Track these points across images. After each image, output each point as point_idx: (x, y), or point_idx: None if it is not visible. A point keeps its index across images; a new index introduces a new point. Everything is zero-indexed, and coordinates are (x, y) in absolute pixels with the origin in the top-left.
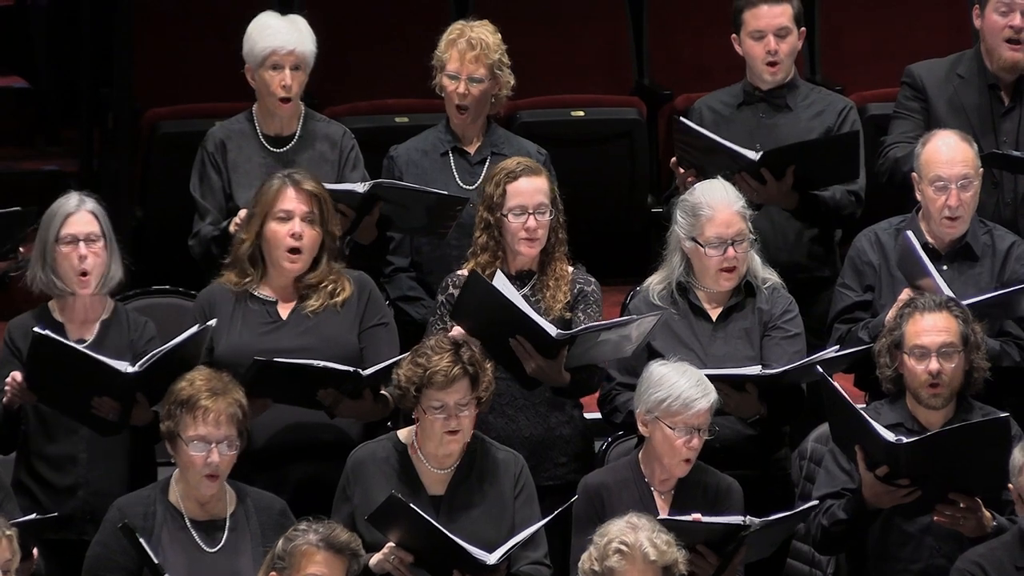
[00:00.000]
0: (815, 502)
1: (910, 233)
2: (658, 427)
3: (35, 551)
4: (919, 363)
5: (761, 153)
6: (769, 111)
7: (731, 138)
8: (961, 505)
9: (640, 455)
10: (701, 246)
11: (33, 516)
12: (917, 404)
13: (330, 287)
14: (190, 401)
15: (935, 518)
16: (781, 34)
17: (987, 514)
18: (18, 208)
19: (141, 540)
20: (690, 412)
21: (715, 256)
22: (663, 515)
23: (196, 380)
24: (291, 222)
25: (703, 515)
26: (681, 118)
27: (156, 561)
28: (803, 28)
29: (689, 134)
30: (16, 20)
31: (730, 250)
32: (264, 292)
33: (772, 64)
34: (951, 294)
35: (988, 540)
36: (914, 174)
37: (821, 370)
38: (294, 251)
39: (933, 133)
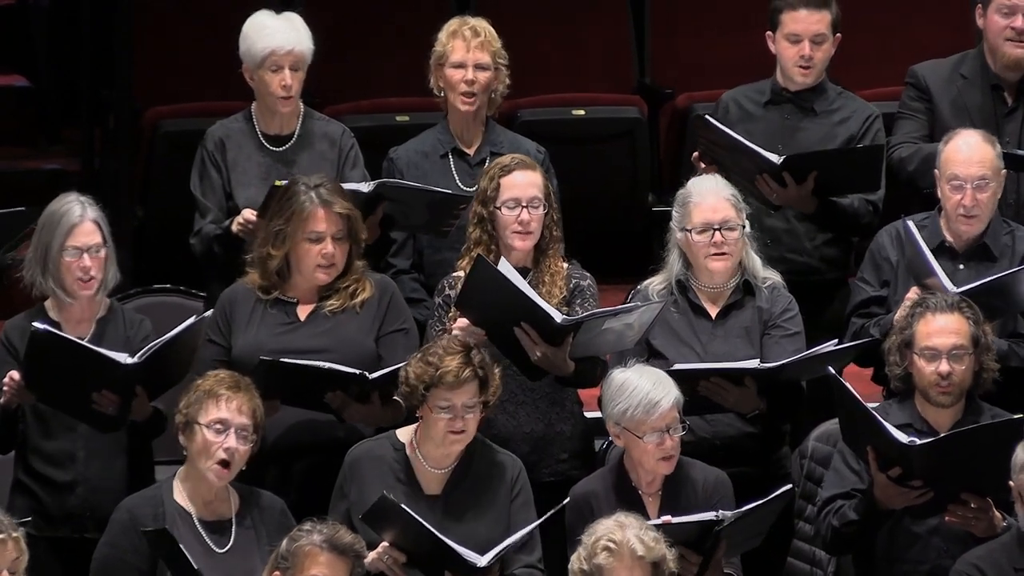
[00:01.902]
0: (788, 487)
1: (911, 224)
2: (628, 437)
3: None
4: (929, 364)
5: (784, 157)
6: (795, 113)
7: (754, 136)
8: (972, 505)
9: (624, 459)
10: (689, 232)
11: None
12: (926, 404)
13: (351, 288)
14: (212, 390)
15: (947, 518)
16: (817, 40)
17: (998, 515)
18: (22, 208)
19: (180, 546)
20: (654, 416)
21: (702, 241)
22: (652, 517)
23: (220, 375)
24: (323, 243)
25: (674, 516)
26: (706, 116)
27: (196, 567)
28: (838, 35)
29: (712, 132)
30: (17, 19)
31: (717, 235)
32: (287, 293)
33: (804, 68)
34: (954, 289)
35: (990, 541)
36: (936, 171)
37: (832, 370)
38: (325, 267)
39: (956, 132)
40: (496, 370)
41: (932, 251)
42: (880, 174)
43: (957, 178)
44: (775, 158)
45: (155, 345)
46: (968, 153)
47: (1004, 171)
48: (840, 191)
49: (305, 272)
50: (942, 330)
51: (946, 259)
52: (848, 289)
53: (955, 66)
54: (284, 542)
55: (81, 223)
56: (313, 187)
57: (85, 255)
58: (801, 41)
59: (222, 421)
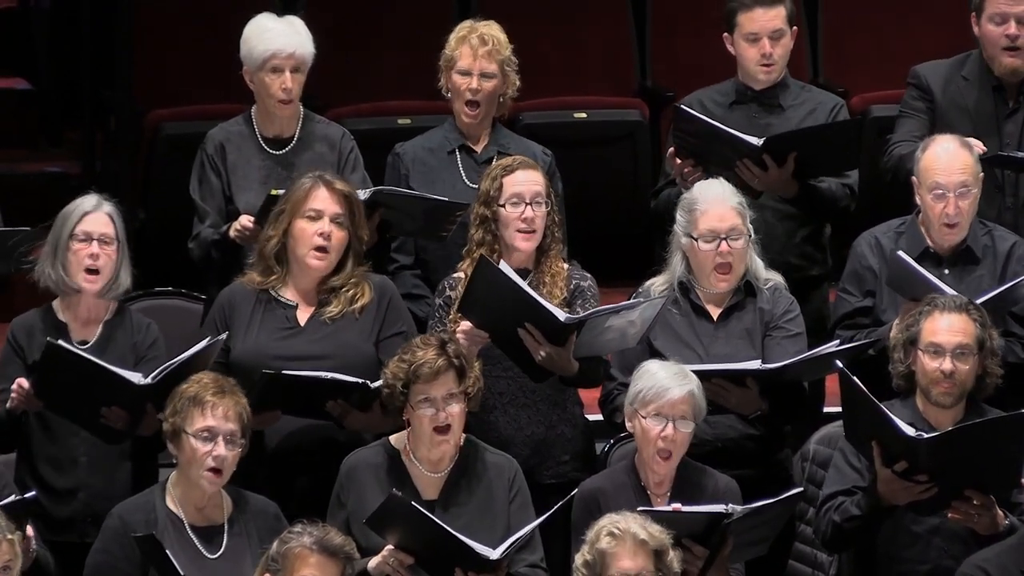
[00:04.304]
0: (799, 490)
1: (902, 253)
2: (635, 419)
3: (29, 529)
4: (933, 361)
5: (764, 139)
6: (761, 111)
7: None
8: (975, 502)
9: (636, 458)
10: (695, 240)
11: (12, 498)
12: (928, 403)
13: (350, 292)
14: (197, 397)
15: (949, 515)
16: (775, 36)
17: (1000, 512)
18: (27, 228)
19: (167, 552)
20: (663, 400)
21: (708, 250)
22: None
23: (203, 379)
24: (320, 221)
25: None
26: (682, 106)
27: (182, 573)
28: (795, 27)
29: (690, 121)
30: (18, 22)
31: (723, 244)
32: (286, 295)
33: (767, 66)
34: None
35: (998, 540)
36: (914, 179)
37: (840, 364)
38: (321, 249)
39: (933, 139)
40: (476, 361)
41: (916, 258)
42: (857, 151)
43: (939, 186)
44: (756, 141)
45: (169, 366)
46: (949, 161)
47: (982, 174)
48: (819, 171)
49: (301, 256)
50: (948, 328)
51: (930, 265)
52: (827, 286)
53: (956, 67)
54: (275, 544)
55: (94, 212)
56: (317, 175)
57: (95, 242)
58: (760, 39)
59: (209, 429)
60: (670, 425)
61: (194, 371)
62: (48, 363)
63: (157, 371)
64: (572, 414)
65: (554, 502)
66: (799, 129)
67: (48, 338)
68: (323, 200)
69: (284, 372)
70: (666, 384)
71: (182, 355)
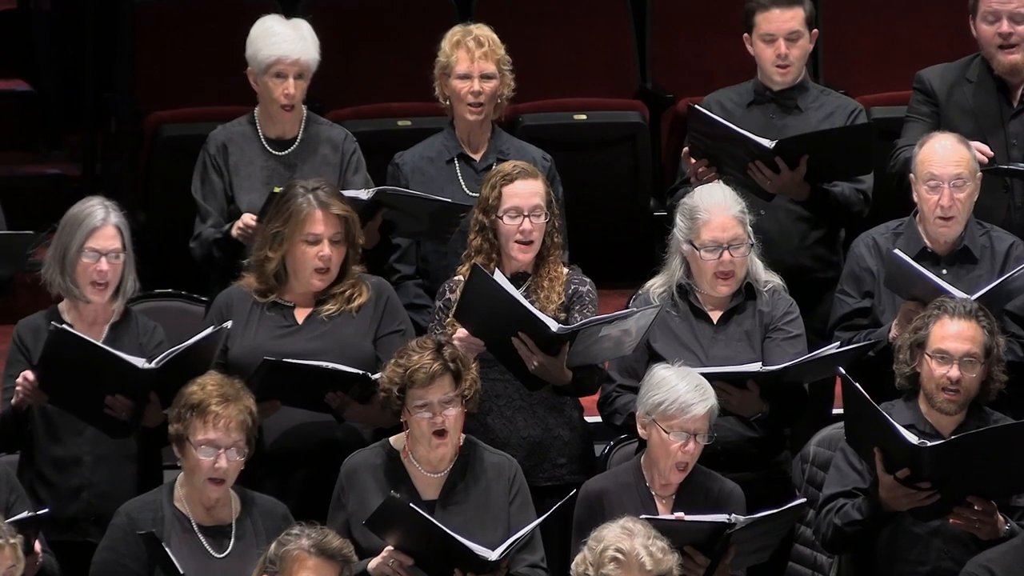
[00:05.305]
0: (802, 500)
1: (898, 251)
2: (655, 430)
3: (37, 544)
4: (940, 367)
5: (776, 141)
6: (779, 112)
7: None
8: (977, 508)
9: (642, 460)
10: (697, 249)
11: (25, 514)
12: (930, 407)
13: (347, 292)
14: (201, 405)
15: (951, 520)
16: (792, 38)
17: (1000, 518)
18: (30, 231)
19: (167, 550)
20: (686, 416)
21: (710, 260)
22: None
23: (207, 385)
24: (320, 245)
25: (686, 514)
26: (696, 106)
27: (181, 571)
28: (815, 30)
29: (704, 122)
30: (19, 24)
31: (725, 254)
32: (283, 297)
33: (782, 67)
34: (959, 294)
35: (999, 544)
36: (911, 175)
37: (842, 370)
38: (321, 271)
39: (930, 135)
40: (472, 364)
41: (913, 258)
42: (870, 156)
43: (934, 177)
44: (768, 143)
45: (173, 352)
46: (944, 154)
47: (980, 174)
48: (832, 175)
49: (301, 276)
50: (957, 335)
51: (928, 265)
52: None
53: (961, 70)
54: (272, 546)
55: (103, 227)
56: (311, 190)
57: (103, 259)
58: (776, 40)
59: (211, 442)
60: (691, 441)
61: (200, 360)
62: (53, 349)
63: (161, 356)
64: (570, 417)
65: (550, 505)
66: (811, 132)
67: (53, 323)
68: (320, 224)
69: (285, 360)
70: (688, 400)
71: (186, 342)
